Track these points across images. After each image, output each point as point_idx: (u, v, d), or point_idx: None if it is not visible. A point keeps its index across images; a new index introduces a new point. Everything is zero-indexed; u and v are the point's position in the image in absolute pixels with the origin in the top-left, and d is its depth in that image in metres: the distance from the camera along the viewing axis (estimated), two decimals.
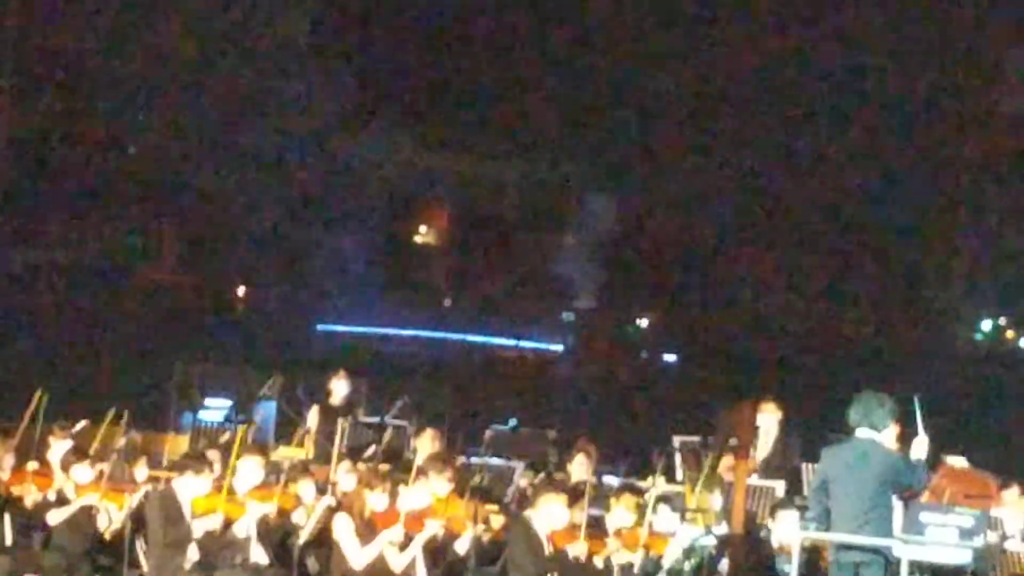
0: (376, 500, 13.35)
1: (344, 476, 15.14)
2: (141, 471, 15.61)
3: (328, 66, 36.13)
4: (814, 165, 37.32)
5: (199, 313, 34.83)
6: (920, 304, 38.78)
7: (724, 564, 13.83)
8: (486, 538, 14.19)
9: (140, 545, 14.22)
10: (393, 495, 13.52)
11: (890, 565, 11.73)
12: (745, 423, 14.82)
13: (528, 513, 13.62)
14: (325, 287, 37.77)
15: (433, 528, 13.34)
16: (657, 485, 16.37)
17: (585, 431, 19.68)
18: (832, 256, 38.29)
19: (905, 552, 11.62)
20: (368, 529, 13.22)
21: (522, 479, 15.99)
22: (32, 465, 15.23)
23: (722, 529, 14.03)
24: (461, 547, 13.78)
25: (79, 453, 14.99)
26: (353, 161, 37.81)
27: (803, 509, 12.90)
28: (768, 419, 16.57)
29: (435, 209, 41.93)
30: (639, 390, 36.06)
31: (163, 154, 34.43)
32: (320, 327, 38.12)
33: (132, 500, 14.29)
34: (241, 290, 38.25)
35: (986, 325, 41.33)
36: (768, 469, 16.38)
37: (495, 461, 17.06)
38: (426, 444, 16.48)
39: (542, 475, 16.42)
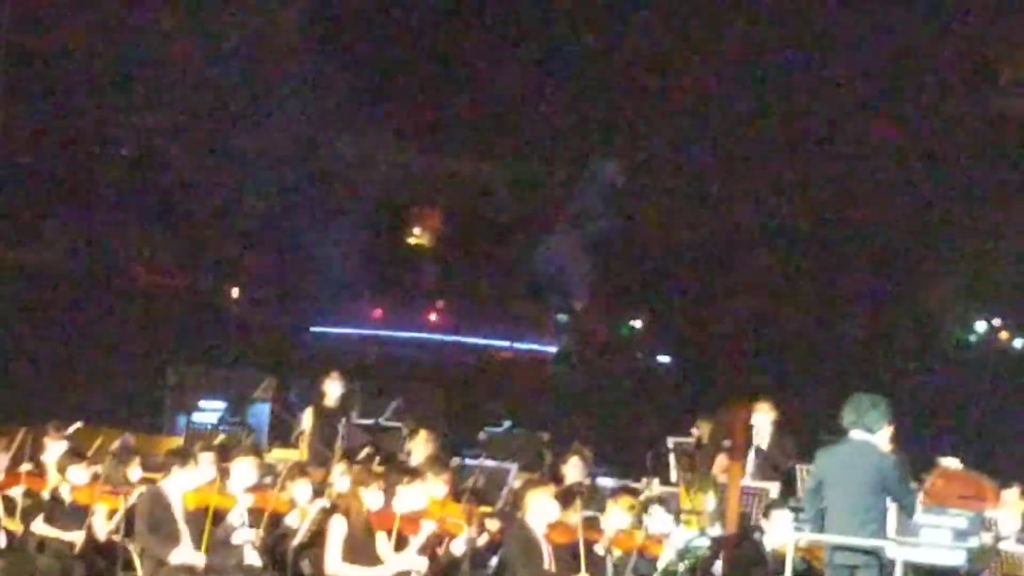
0: (372, 498, 13.35)
1: (340, 478, 15.14)
2: (134, 472, 15.61)
3: (319, 67, 36.11)
4: (806, 165, 37.32)
5: (192, 315, 34.80)
6: (914, 305, 38.78)
7: (718, 566, 13.84)
8: (481, 540, 14.19)
9: (134, 548, 14.21)
10: (389, 496, 13.53)
11: (885, 566, 11.74)
12: (739, 424, 14.84)
13: (521, 515, 13.63)
14: (318, 289, 37.75)
15: (429, 530, 13.34)
16: (651, 486, 16.40)
17: (579, 433, 19.71)
18: (826, 257, 38.28)
19: (899, 553, 11.64)
20: (364, 530, 13.22)
21: (516, 481, 15.98)
22: (26, 466, 15.23)
23: (716, 530, 14.05)
24: (456, 549, 13.79)
25: (76, 455, 15.00)
26: (345, 163, 37.79)
27: (797, 510, 12.92)
28: (763, 419, 16.59)
29: (428, 211, 41.94)
30: (633, 391, 36.08)
31: (155, 156, 34.41)
32: (313, 329, 38.10)
33: (126, 502, 14.29)
34: (234, 292, 38.22)
35: (980, 326, 41.34)
36: (762, 470, 16.40)
37: (490, 463, 17.07)
38: (420, 446, 16.49)
39: (536, 477, 16.42)
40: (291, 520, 14.00)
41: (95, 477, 14.75)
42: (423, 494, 13.77)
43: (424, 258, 41.37)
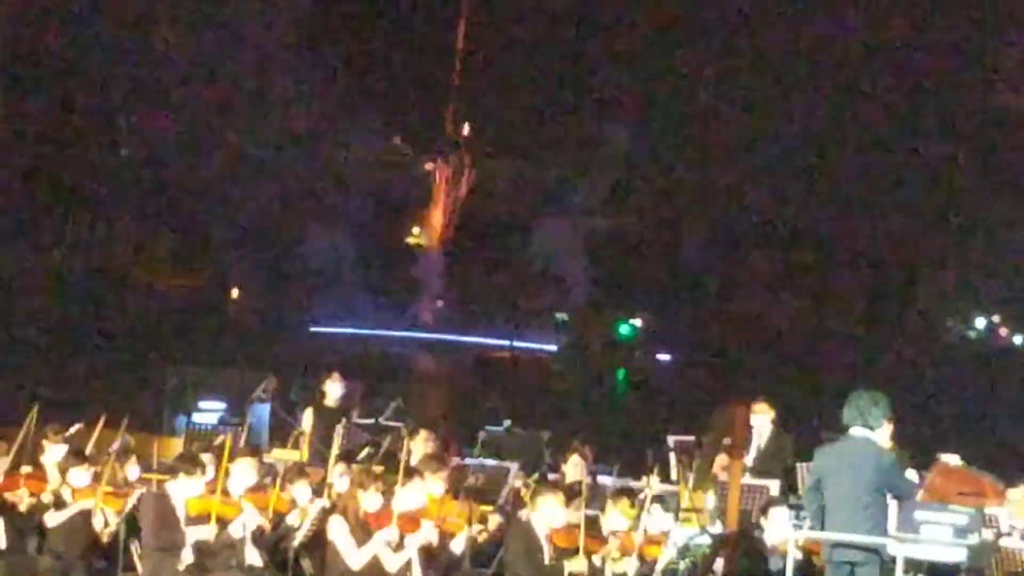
0: (369, 500, 13.35)
1: (339, 478, 15.13)
2: (132, 470, 15.58)
3: (319, 67, 36.11)
4: (806, 164, 37.33)
5: (192, 316, 34.80)
6: (914, 302, 38.79)
7: (719, 564, 13.83)
8: (481, 539, 14.18)
9: (135, 548, 14.20)
10: (387, 495, 13.51)
11: (885, 563, 11.73)
12: (739, 422, 14.84)
13: (525, 514, 13.62)
14: (318, 289, 37.75)
15: (428, 529, 13.33)
16: (652, 485, 16.39)
17: (579, 431, 19.69)
18: (825, 255, 38.29)
19: (900, 550, 11.63)
20: (362, 530, 13.21)
21: (516, 480, 15.98)
22: (26, 468, 15.21)
23: (717, 528, 14.04)
24: (456, 547, 13.78)
25: (77, 456, 14.98)
26: (344, 162, 37.79)
27: (797, 508, 12.90)
28: (761, 418, 16.58)
29: (427, 210, 41.91)
30: (633, 390, 36.08)
31: (156, 157, 34.40)
32: (313, 329, 38.10)
33: (127, 503, 14.27)
34: (234, 293, 38.22)
35: (980, 322, 41.36)
36: (762, 468, 16.38)
37: (490, 462, 17.06)
38: (420, 445, 16.48)
39: (536, 476, 16.42)
40: (291, 520, 13.99)
41: (96, 478, 14.73)
42: (422, 493, 13.76)
43: (423, 257, 41.36)
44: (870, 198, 37.42)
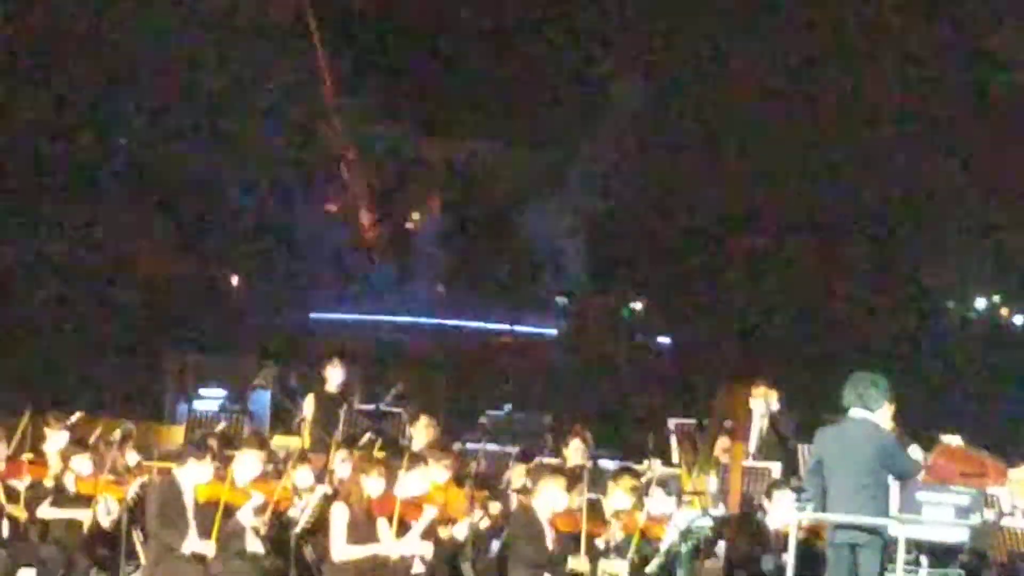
0: (372, 485, 13.34)
1: (341, 464, 15.14)
2: (131, 457, 15.61)
3: (317, 51, 36.09)
4: (805, 144, 37.27)
5: (192, 303, 34.79)
6: (914, 282, 38.77)
7: (721, 546, 13.85)
8: (484, 524, 14.20)
9: (137, 536, 14.21)
10: (390, 481, 13.51)
11: (887, 544, 11.75)
12: (740, 405, 14.86)
13: (525, 499, 13.64)
14: (318, 275, 37.74)
15: (430, 515, 13.34)
16: (653, 468, 16.41)
17: (580, 415, 19.71)
18: (825, 235, 38.25)
19: (902, 531, 11.65)
20: (366, 516, 13.21)
21: (514, 470, 15.95)
22: (28, 456, 15.24)
23: (719, 511, 14.06)
24: (459, 533, 13.80)
25: (79, 444, 15.00)
26: (343, 148, 37.77)
27: (799, 490, 12.91)
28: (762, 401, 16.59)
29: (427, 195, 41.90)
30: (634, 373, 36.06)
31: (154, 143, 34.35)
32: (313, 315, 38.07)
33: (129, 491, 14.28)
34: (234, 279, 38.20)
35: (980, 303, 41.35)
36: (763, 450, 16.40)
37: (492, 447, 17.08)
38: (421, 431, 16.50)
39: (537, 460, 16.42)
40: (293, 510, 14.00)
41: (98, 466, 14.75)
42: (425, 479, 13.76)
43: (422, 242, 41.33)
44: (871, 177, 37.38)
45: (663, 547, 13.49)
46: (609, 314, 40.89)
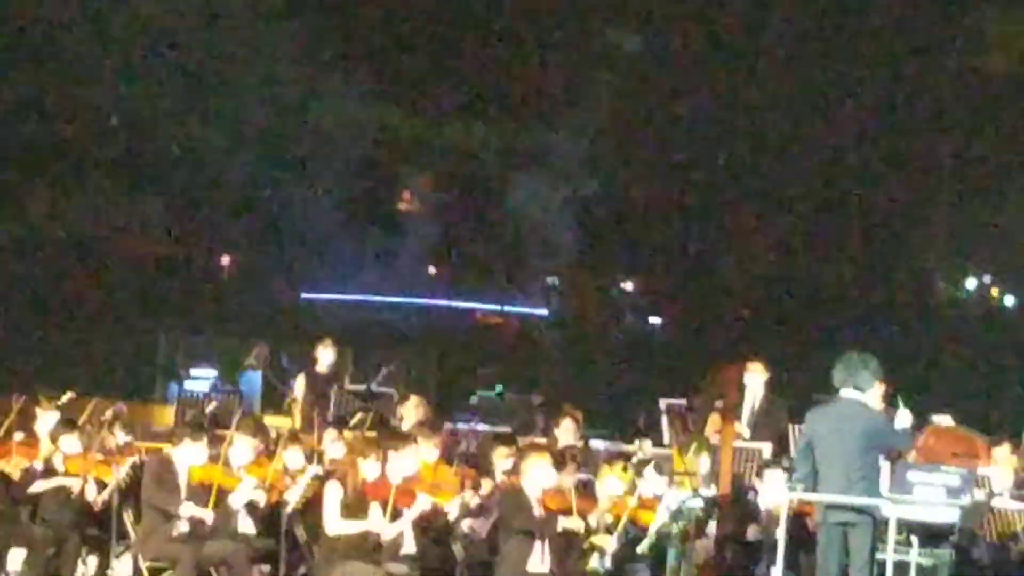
0: (369, 469, 13.30)
1: (331, 444, 15.13)
2: (120, 436, 15.59)
3: (309, 31, 35.98)
4: (796, 124, 37.27)
5: (183, 283, 34.74)
6: (904, 263, 38.79)
7: (712, 526, 13.85)
8: (474, 503, 14.19)
9: (128, 516, 14.21)
10: (383, 464, 13.49)
11: (878, 524, 11.76)
12: (731, 384, 14.83)
13: (514, 479, 13.63)
14: (309, 255, 37.69)
15: (424, 503, 13.30)
16: (644, 449, 16.40)
17: (571, 395, 19.70)
18: (815, 215, 38.25)
19: (893, 511, 11.66)
20: (359, 499, 13.17)
21: (496, 451, 15.86)
22: (18, 436, 15.22)
23: (710, 491, 14.04)
24: (450, 513, 13.79)
25: (68, 424, 14.98)
26: (334, 129, 37.67)
27: (790, 470, 12.92)
28: (754, 380, 16.57)
29: (418, 175, 41.84)
30: (624, 353, 36.06)
31: (144, 123, 34.24)
32: (304, 296, 38.04)
33: (119, 471, 14.27)
34: (225, 260, 38.15)
35: (971, 283, 41.39)
36: (755, 430, 16.39)
37: (482, 427, 17.07)
38: (412, 411, 16.49)
39: (528, 439, 16.40)
40: (287, 493, 13.99)
41: (88, 447, 14.74)
42: (416, 459, 13.75)
43: (414, 222, 41.28)
44: (861, 158, 37.39)
45: (653, 528, 13.49)
46: (599, 294, 40.90)
